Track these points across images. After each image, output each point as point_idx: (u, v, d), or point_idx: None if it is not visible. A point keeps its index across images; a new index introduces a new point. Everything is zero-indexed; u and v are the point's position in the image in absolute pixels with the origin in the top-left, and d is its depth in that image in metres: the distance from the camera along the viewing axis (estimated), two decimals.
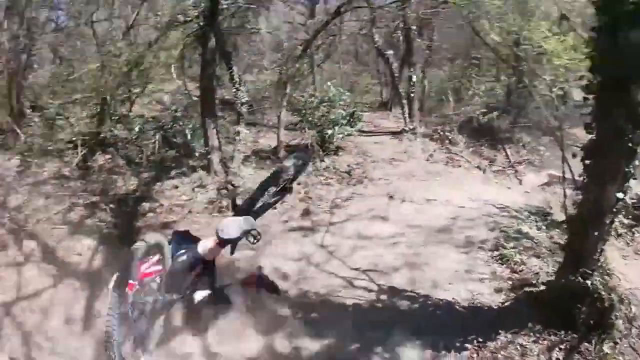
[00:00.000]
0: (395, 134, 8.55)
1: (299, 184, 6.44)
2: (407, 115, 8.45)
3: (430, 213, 6.11)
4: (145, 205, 6.47)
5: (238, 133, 6.91)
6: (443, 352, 3.96)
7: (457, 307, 4.45)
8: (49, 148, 6.99)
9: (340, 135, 7.39)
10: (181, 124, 7.37)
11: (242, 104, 6.93)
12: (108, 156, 7.41)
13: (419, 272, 4.95)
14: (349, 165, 7.32)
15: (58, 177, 6.90)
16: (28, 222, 5.91)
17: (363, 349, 4.03)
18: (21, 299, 4.82)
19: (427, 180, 7.11)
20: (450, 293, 4.61)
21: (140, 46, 7.44)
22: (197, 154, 7.18)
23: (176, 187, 6.76)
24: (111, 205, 6.35)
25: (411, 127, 8.33)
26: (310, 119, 7.45)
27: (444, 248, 5.34)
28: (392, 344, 4.00)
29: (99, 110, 7.52)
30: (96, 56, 7.92)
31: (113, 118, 7.58)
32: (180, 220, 6.15)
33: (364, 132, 8.52)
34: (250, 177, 6.51)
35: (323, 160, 7.19)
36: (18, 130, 7.26)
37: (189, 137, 7.26)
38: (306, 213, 6.26)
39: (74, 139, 7.26)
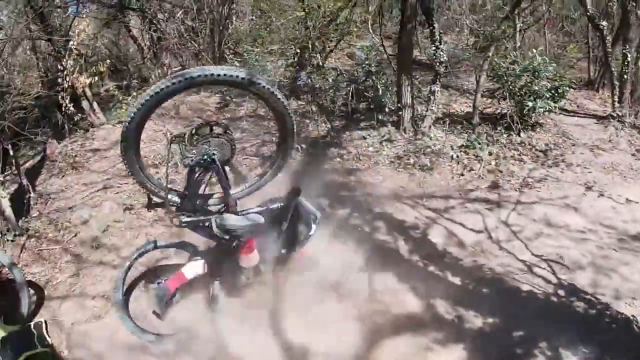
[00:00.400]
0: (600, 118, 7.53)
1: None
2: (616, 99, 7.36)
3: (629, 215, 5.36)
4: (334, 150, 6.66)
5: (433, 93, 6.66)
6: None
7: (637, 328, 3.89)
8: None
9: (542, 110, 6.70)
10: (374, 78, 7.29)
11: (441, 62, 6.64)
12: (301, 102, 7.78)
13: (603, 277, 4.41)
14: (546, 145, 6.67)
15: (253, 116, 7.48)
16: None
17: (526, 339, 3.71)
18: None
19: (631, 178, 6.20)
20: (633, 310, 4.03)
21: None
22: (387, 110, 7.10)
23: (364, 138, 6.80)
24: (302, 145, 6.67)
25: (619, 113, 7.26)
26: (510, 87, 6.84)
27: (637, 258, 4.67)
28: (556, 344, 3.61)
29: (296, 59, 7.89)
30: (294, 9, 8.38)
31: (309, 68, 7.85)
32: (364, 170, 6.22)
33: (566, 110, 7.65)
34: (440, 139, 6.37)
35: (519, 134, 6.64)
36: None
37: (380, 92, 7.16)
38: (494, 186, 5.86)
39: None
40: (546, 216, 5.28)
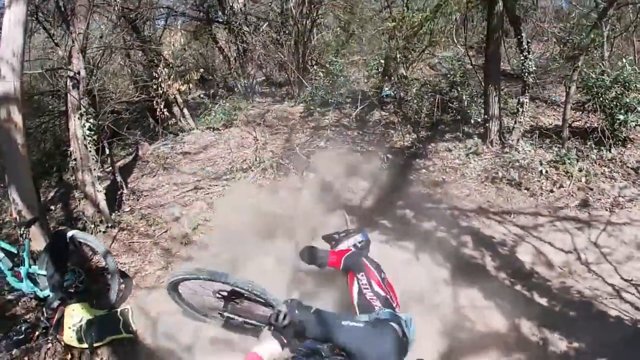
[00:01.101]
0: None
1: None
2: None
3: None
4: (419, 161, 6.62)
5: (522, 104, 6.42)
6: None
7: None
8: (329, 100, 7.70)
9: (633, 124, 6.24)
10: (459, 89, 7.23)
11: (529, 72, 6.38)
12: (385, 113, 7.84)
13: None
14: (637, 162, 6.21)
15: (337, 125, 7.59)
16: (309, 157, 6.69)
17: (600, 357, 3.57)
18: (296, 216, 5.48)
19: None
20: None
21: (423, 11, 7.47)
22: (472, 122, 7.01)
23: (449, 150, 6.71)
24: (388, 156, 6.67)
25: None
26: (601, 99, 6.42)
27: None
28: None
29: (380, 69, 7.92)
30: (375, 21, 8.70)
31: (392, 78, 7.89)
32: (451, 182, 6.14)
33: None
34: (528, 153, 6.12)
35: (610, 150, 6.23)
36: (304, 82, 8.31)
37: (465, 103, 7.08)
38: (584, 204, 5.58)
39: (352, 94, 7.89)
40: (637, 239, 4.98)
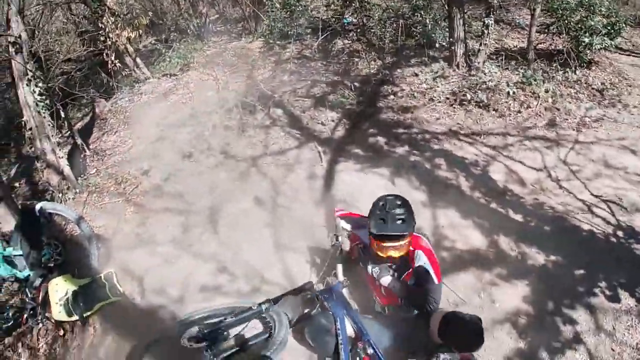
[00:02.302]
0: None
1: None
2: None
3: None
4: (387, 87, 6.54)
5: (487, 26, 6.34)
6: None
7: None
8: (288, 32, 7.41)
9: (598, 47, 6.35)
10: (422, 13, 7.08)
11: None
12: (348, 41, 7.63)
13: None
14: (602, 84, 6.37)
15: (299, 58, 7.39)
16: (274, 92, 6.49)
17: (587, 278, 3.66)
18: (267, 155, 5.40)
19: None
20: None
21: None
22: (437, 45, 6.94)
23: (416, 75, 6.62)
24: (355, 84, 6.56)
25: None
26: (566, 22, 6.45)
27: None
28: (615, 284, 3.56)
29: None
30: None
31: (353, 4, 7.63)
32: (420, 107, 6.10)
33: (621, 49, 7.36)
34: (494, 75, 6.10)
35: (575, 72, 6.31)
36: (260, 15, 7.97)
37: (429, 27, 6.95)
38: (552, 124, 5.69)
39: (312, 24, 7.66)
40: (604, 157, 5.15)
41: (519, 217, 4.34)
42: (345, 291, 3.33)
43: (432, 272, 3.00)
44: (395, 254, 3.04)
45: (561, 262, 3.82)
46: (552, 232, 4.12)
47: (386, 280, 3.11)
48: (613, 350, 3.18)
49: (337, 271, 3.38)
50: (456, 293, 3.59)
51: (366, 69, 6.96)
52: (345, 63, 7.21)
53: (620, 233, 4.06)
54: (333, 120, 5.96)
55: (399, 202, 3.06)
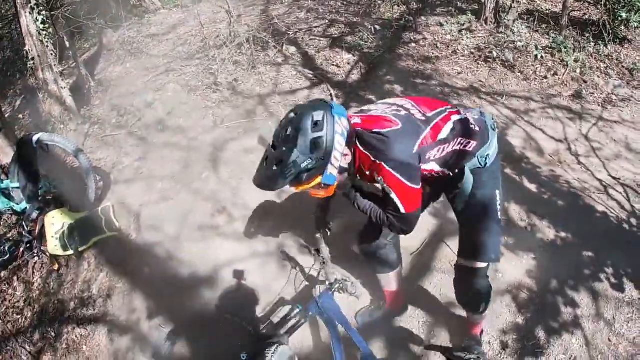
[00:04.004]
0: None
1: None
2: None
3: None
4: (409, 35, 6.25)
5: None
6: None
7: None
8: None
9: (635, 24, 6.03)
10: None
11: None
12: None
13: None
14: (633, 64, 6.05)
15: None
16: (289, 29, 6.21)
17: (595, 261, 3.51)
18: (277, 94, 5.17)
19: None
20: None
21: None
22: None
23: (441, 25, 6.32)
24: (375, 27, 6.26)
25: None
26: None
27: None
28: (622, 274, 3.41)
29: None
30: None
31: None
32: (442, 59, 5.84)
33: None
34: (523, 36, 5.79)
35: (607, 46, 5.98)
36: None
37: None
38: (577, 96, 5.44)
39: None
40: (627, 139, 4.94)
41: (533, 187, 4.15)
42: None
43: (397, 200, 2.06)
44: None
45: (571, 240, 3.66)
46: (565, 208, 3.95)
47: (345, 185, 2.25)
48: (610, 340, 3.07)
49: (325, 266, 2.65)
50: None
51: (389, 13, 6.65)
52: (367, 5, 6.86)
53: (633, 221, 3.88)
54: (349, 63, 5.68)
55: (301, 124, 1.87)
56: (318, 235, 2.64)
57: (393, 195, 2.03)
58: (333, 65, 5.64)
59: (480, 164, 2.27)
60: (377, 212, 2.18)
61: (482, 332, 3.02)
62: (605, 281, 3.39)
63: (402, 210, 2.07)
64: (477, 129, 2.22)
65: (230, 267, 3.42)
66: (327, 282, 2.58)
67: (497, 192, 2.37)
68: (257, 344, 2.50)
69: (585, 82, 5.62)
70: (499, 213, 2.39)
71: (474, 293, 2.59)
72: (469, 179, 2.30)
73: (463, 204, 2.40)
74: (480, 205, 2.37)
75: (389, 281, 2.96)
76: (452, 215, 3.61)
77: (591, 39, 6.09)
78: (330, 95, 5.06)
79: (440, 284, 3.38)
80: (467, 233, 2.51)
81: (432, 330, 3.14)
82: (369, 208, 2.21)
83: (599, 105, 5.37)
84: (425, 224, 3.78)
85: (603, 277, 3.41)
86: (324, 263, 2.59)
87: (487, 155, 2.26)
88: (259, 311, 3.21)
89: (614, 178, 4.35)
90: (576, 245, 3.61)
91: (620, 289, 3.34)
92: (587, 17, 6.60)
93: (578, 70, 5.66)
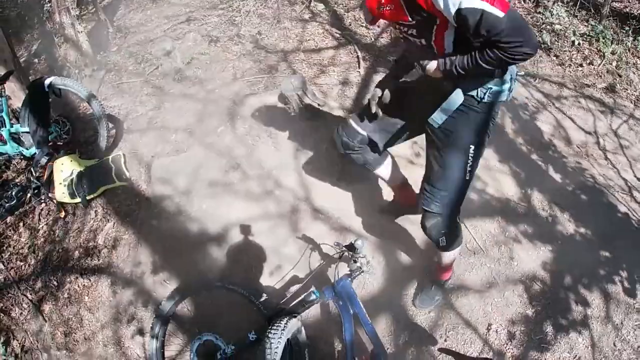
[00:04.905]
0: None
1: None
2: None
3: None
4: None
5: None
6: None
7: None
8: None
9: None
10: None
11: None
12: None
13: None
14: None
15: None
16: None
17: (611, 262, 3.40)
18: (301, 51, 4.98)
19: None
20: None
21: None
22: None
23: None
24: None
25: None
26: None
27: None
28: (636, 279, 3.32)
29: None
30: None
31: None
32: None
33: None
34: (562, 19, 5.57)
35: None
36: None
37: None
38: (611, 89, 5.20)
39: None
40: None
41: (557, 177, 4.01)
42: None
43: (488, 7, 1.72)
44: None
45: (590, 237, 3.55)
46: (588, 203, 3.81)
47: (432, 65, 2.10)
48: (615, 345, 3.01)
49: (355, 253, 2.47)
50: (475, 239, 3.40)
51: None
52: None
53: None
54: (379, 26, 5.42)
55: None
56: (377, 91, 2.49)
57: (479, 5, 1.70)
58: (362, 26, 5.37)
59: (478, 95, 2.11)
60: (484, 55, 1.88)
61: (449, 278, 3.05)
62: (619, 284, 3.30)
63: (502, 14, 1.71)
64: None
65: (240, 227, 3.34)
66: (349, 269, 2.48)
67: (472, 147, 2.25)
68: (267, 322, 2.49)
69: (620, 76, 5.37)
70: (467, 171, 2.30)
71: (424, 226, 2.51)
72: (457, 96, 2.13)
73: (436, 133, 2.29)
74: (449, 149, 2.28)
75: (383, 174, 2.93)
76: (473, 195, 3.64)
77: (630, 33, 5.80)
78: (357, 57, 4.85)
79: (454, 265, 3.24)
80: (427, 165, 2.44)
81: (441, 312, 3.09)
82: (474, 57, 1.92)
83: (631, 102, 5.14)
84: None
85: (617, 280, 3.32)
86: (353, 250, 2.44)
87: (490, 89, 2.09)
88: (269, 281, 3.13)
89: (639, 179, 4.19)
90: (594, 243, 3.50)
91: (632, 294, 3.26)
92: (628, 9, 6.28)
93: (614, 63, 5.42)
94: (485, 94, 2.10)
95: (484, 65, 1.90)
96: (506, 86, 2.11)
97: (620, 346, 3.00)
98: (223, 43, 5.06)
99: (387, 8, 1.97)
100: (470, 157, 2.26)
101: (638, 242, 3.56)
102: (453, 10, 1.74)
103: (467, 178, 2.32)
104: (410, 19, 1.93)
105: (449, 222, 2.48)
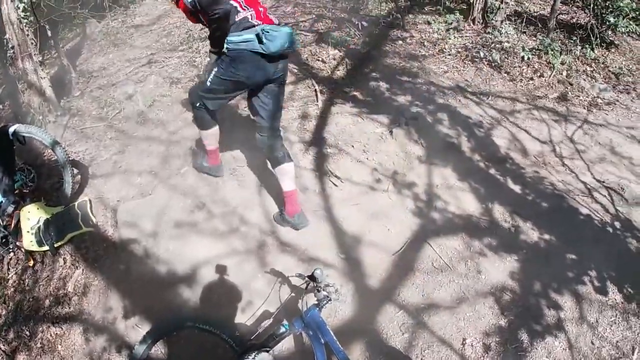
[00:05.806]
0: None
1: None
2: None
3: None
4: (396, 32, 6.20)
5: None
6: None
7: None
8: None
9: (623, 29, 6.08)
10: None
11: None
12: None
13: None
14: (619, 68, 6.08)
15: None
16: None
17: (578, 264, 3.50)
18: None
19: None
20: None
21: None
22: None
23: (429, 23, 6.30)
24: (363, 23, 6.18)
25: None
26: None
27: None
28: (605, 276, 3.42)
29: None
30: None
31: None
32: (429, 57, 5.80)
33: None
34: (511, 37, 5.80)
35: (594, 50, 6.00)
36: None
37: None
38: (563, 98, 5.43)
39: None
40: (611, 142, 4.92)
41: (517, 188, 4.14)
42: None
43: None
44: None
45: (554, 242, 3.66)
46: (549, 210, 3.93)
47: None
48: (593, 344, 3.07)
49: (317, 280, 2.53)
50: (441, 257, 3.47)
51: (377, 10, 6.60)
52: (355, 1, 6.81)
53: (617, 224, 3.87)
54: (334, 59, 5.58)
55: None
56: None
57: None
58: (318, 60, 5.54)
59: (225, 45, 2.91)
60: None
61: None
62: (589, 284, 3.38)
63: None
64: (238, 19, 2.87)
65: (208, 265, 3.34)
66: (316, 299, 2.54)
67: (212, 73, 3.08)
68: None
69: (571, 84, 5.63)
70: (207, 82, 3.12)
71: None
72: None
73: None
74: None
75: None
76: (435, 215, 3.76)
77: (578, 42, 6.11)
78: (315, 91, 4.98)
79: (423, 284, 3.35)
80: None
81: (414, 332, 3.10)
82: None
83: (584, 108, 5.38)
84: (407, 224, 3.76)
85: (586, 280, 3.40)
86: (314, 280, 2.51)
87: (230, 41, 2.86)
88: (240, 318, 3.14)
89: (598, 181, 4.34)
90: (560, 248, 3.60)
91: (603, 292, 3.34)
92: (574, 20, 6.61)
93: (564, 73, 5.68)
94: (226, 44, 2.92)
95: None
96: (242, 37, 2.88)
97: (599, 343, 3.06)
98: (184, 84, 5.12)
99: None
100: (210, 76, 3.14)
101: (602, 240, 3.68)
102: None
103: (206, 86, 3.20)
104: None
105: None
